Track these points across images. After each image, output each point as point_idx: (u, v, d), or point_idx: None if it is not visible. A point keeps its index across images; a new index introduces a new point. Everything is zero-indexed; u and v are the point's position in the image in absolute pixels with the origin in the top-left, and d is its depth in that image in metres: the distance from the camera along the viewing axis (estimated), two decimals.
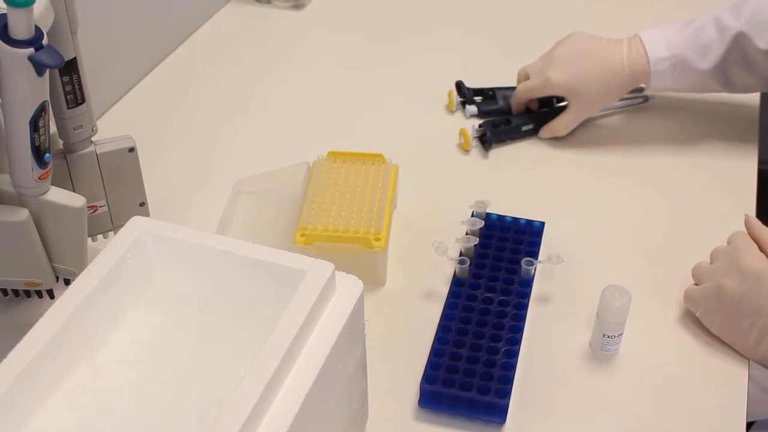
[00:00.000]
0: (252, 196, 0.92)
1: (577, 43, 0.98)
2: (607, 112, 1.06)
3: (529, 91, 1.00)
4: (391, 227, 0.87)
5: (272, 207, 0.89)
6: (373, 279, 0.81)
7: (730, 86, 0.97)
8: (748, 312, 0.71)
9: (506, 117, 1.03)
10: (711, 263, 0.77)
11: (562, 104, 1.04)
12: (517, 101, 1.03)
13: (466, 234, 0.83)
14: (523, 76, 1.03)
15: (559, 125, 1.00)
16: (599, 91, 0.97)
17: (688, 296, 0.77)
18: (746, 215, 0.78)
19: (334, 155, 0.89)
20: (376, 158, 0.88)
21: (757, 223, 0.77)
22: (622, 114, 1.06)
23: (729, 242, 0.76)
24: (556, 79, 0.96)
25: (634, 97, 1.06)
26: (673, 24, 0.95)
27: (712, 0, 1.00)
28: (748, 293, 0.71)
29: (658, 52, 0.94)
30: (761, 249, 0.75)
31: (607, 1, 1.29)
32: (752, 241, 0.75)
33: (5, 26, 0.58)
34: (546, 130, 1.00)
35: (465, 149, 1.00)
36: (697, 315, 0.76)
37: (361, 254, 0.78)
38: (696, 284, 0.77)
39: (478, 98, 1.07)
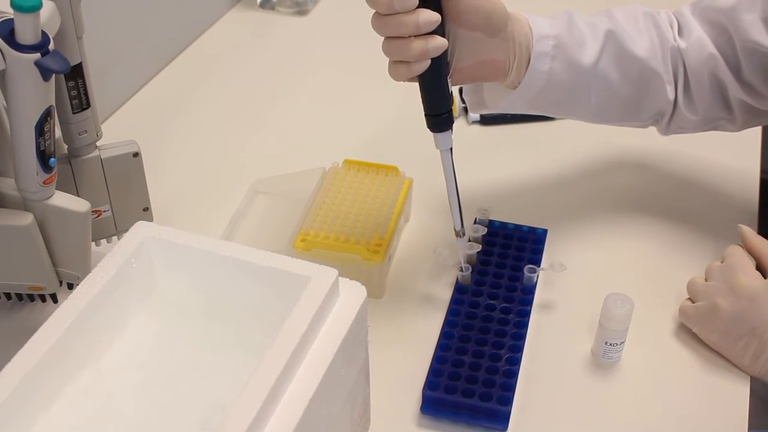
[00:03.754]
0: (267, 196, 0.93)
1: None
2: None
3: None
4: (398, 241, 0.87)
5: (284, 209, 0.90)
6: (370, 291, 0.81)
7: (598, 102, 0.80)
8: (743, 333, 0.71)
9: None
10: (706, 280, 0.76)
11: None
12: None
13: (469, 241, 0.83)
14: None
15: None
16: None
17: (683, 313, 0.77)
18: (740, 227, 0.77)
19: (349, 163, 0.89)
20: (390, 170, 0.88)
21: (753, 235, 0.76)
22: None
23: (724, 258, 0.76)
24: None
25: None
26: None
27: None
28: (743, 314, 0.71)
29: (542, 29, 0.74)
30: (758, 261, 0.74)
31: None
32: (747, 258, 0.74)
33: (12, 31, 0.59)
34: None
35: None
36: (693, 331, 0.76)
37: (358, 265, 0.78)
38: (691, 300, 0.77)
39: None
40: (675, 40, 0.81)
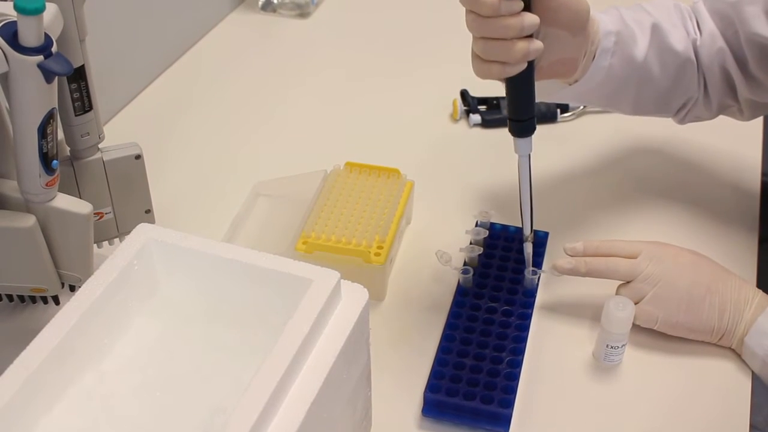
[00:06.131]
0: (269, 199, 0.93)
1: None
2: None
3: None
4: (400, 244, 0.87)
5: (286, 212, 0.90)
6: (371, 294, 0.81)
7: (645, 94, 0.83)
8: (703, 293, 0.73)
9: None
10: (633, 281, 0.75)
11: (567, 114, 1.06)
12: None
13: (470, 244, 0.83)
14: None
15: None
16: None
17: (642, 314, 0.75)
18: (573, 247, 0.78)
19: (350, 166, 0.89)
20: (392, 173, 0.88)
21: (601, 243, 0.78)
22: (626, 125, 1.06)
23: (635, 255, 0.75)
24: None
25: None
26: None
27: None
28: (694, 278, 0.74)
29: (606, 25, 0.76)
30: (612, 253, 0.76)
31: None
32: (656, 243, 0.77)
33: (15, 33, 0.59)
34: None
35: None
36: (655, 327, 0.75)
37: (360, 268, 0.78)
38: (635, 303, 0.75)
39: (482, 107, 1.08)
40: (695, 33, 0.83)
